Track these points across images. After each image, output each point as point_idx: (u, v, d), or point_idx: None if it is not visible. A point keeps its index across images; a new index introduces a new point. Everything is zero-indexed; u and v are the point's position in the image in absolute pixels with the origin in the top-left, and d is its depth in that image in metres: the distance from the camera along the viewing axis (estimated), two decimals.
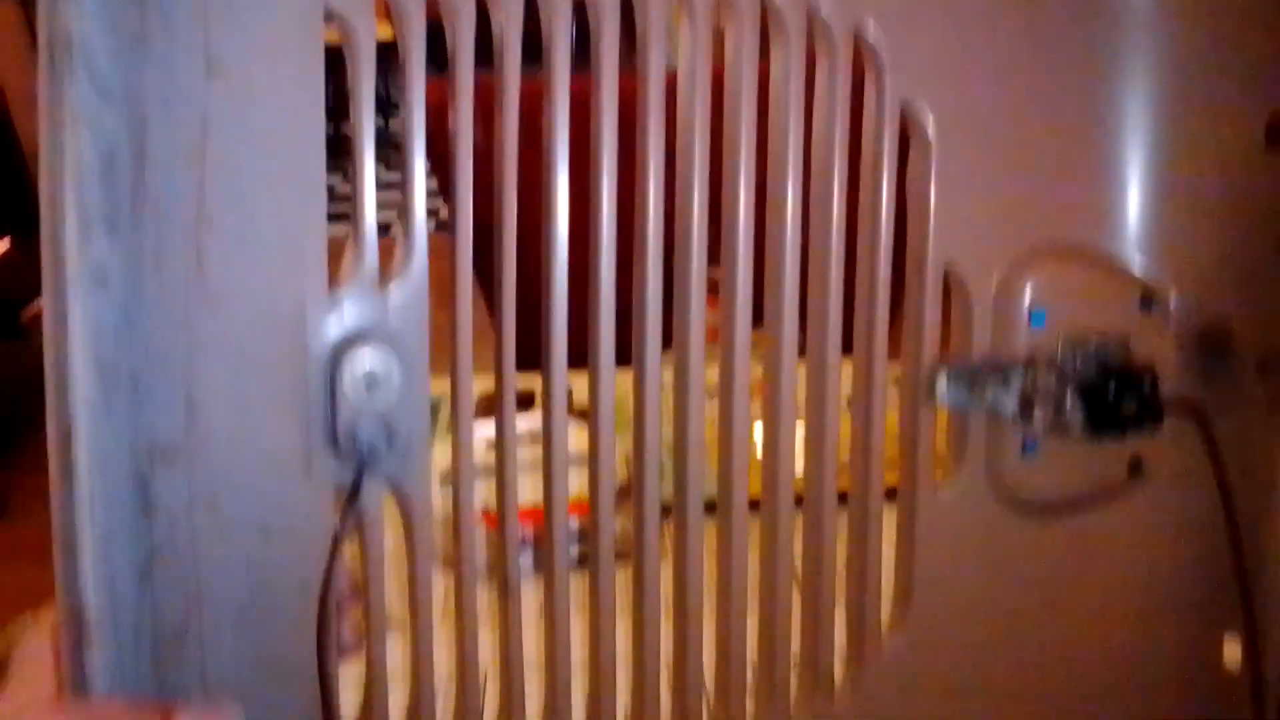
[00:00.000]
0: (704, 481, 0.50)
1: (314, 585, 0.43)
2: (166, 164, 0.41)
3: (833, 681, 0.52)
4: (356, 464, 0.44)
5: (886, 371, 0.51)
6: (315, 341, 0.43)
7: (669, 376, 0.49)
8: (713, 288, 0.49)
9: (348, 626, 0.47)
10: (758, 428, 0.52)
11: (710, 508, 0.50)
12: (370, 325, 0.44)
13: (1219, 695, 0.53)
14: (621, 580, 0.50)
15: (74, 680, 0.40)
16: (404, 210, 0.45)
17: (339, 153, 0.43)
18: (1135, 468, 0.53)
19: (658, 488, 0.49)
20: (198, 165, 0.41)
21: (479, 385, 0.47)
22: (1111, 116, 0.51)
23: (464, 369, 0.46)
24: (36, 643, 0.41)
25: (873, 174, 0.49)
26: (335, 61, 0.43)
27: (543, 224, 0.47)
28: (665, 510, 0.50)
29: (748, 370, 0.50)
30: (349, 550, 0.46)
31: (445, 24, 0.45)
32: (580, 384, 0.48)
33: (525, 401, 0.51)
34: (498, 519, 0.49)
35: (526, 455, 0.50)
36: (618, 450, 0.49)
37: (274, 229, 0.42)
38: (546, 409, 0.48)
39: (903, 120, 0.49)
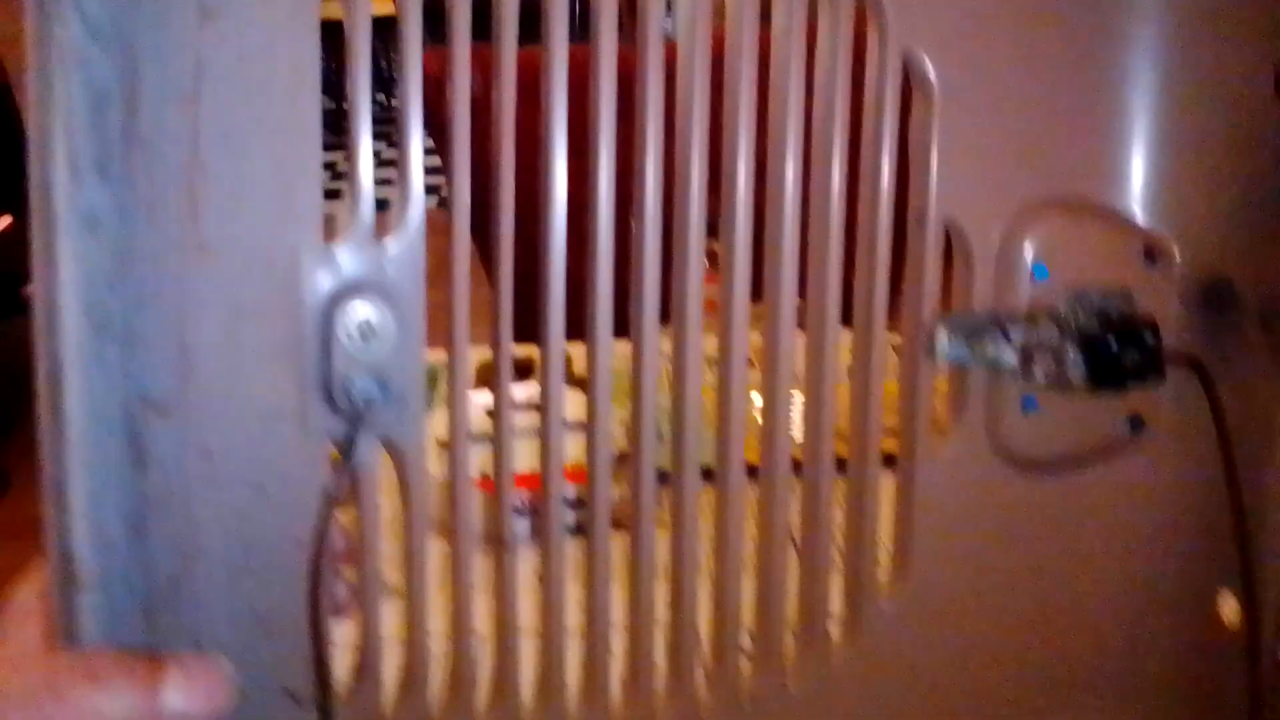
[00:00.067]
0: (700, 447, 0.49)
1: (308, 542, 0.43)
2: (158, 109, 0.40)
3: (830, 644, 0.52)
4: (351, 417, 0.43)
5: (885, 333, 0.50)
6: (310, 292, 0.43)
7: (668, 346, 0.49)
8: (712, 259, 0.48)
9: (343, 586, 0.47)
10: (756, 396, 0.51)
11: (708, 475, 0.50)
12: (366, 276, 0.44)
13: (1215, 652, 0.53)
14: (619, 547, 0.49)
15: (64, 630, 0.39)
16: (400, 163, 0.44)
17: (340, 130, 0.42)
18: (1136, 424, 0.52)
19: (654, 453, 0.49)
20: (190, 111, 0.40)
21: (477, 357, 0.46)
22: (1116, 69, 0.51)
23: (460, 332, 0.46)
24: (25, 594, 0.41)
25: (875, 126, 0.49)
26: (333, 36, 0.43)
27: (540, 194, 0.46)
28: (663, 477, 0.50)
29: (745, 334, 0.49)
30: (345, 512, 0.45)
31: None
32: (579, 354, 0.48)
33: (524, 370, 0.51)
34: (494, 482, 0.48)
35: (524, 423, 0.49)
36: (615, 417, 0.48)
37: (269, 177, 0.42)
38: (544, 374, 0.47)
39: (905, 73, 0.49)
